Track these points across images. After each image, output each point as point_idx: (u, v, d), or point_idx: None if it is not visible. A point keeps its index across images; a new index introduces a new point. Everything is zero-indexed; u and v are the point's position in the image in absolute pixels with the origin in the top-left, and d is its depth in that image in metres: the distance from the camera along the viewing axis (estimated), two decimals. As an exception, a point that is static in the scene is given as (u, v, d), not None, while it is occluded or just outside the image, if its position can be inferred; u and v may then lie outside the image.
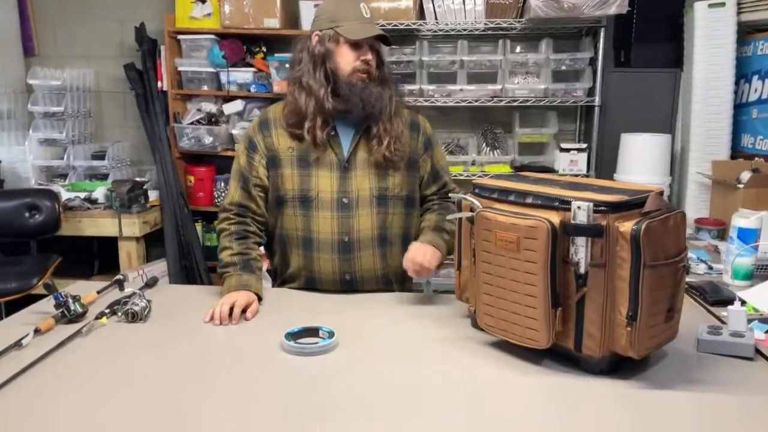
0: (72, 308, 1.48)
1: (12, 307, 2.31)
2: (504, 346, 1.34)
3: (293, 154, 1.72)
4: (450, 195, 1.82)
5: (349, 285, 1.73)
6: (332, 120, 1.70)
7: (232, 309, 1.52)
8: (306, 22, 3.27)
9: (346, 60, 1.66)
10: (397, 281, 1.81)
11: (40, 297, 1.65)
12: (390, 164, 1.72)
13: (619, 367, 1.23)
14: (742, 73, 2.99)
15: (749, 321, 1.41)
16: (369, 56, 1.66)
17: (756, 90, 2.92)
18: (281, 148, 1.73)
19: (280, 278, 1.85)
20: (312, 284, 1.76)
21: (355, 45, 1.65)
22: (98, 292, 1.69)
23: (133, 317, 1.50)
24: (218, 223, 1.78)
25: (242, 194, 1.75)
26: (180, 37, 3.45)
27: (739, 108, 3.01)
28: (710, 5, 2.92)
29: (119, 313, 1.52)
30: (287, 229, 1.75)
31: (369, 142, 1.71)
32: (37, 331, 1.39)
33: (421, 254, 1.64)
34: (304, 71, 1.70)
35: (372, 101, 1.65)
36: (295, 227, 1.74)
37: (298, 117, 1.70)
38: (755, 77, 2.93)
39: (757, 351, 1.31)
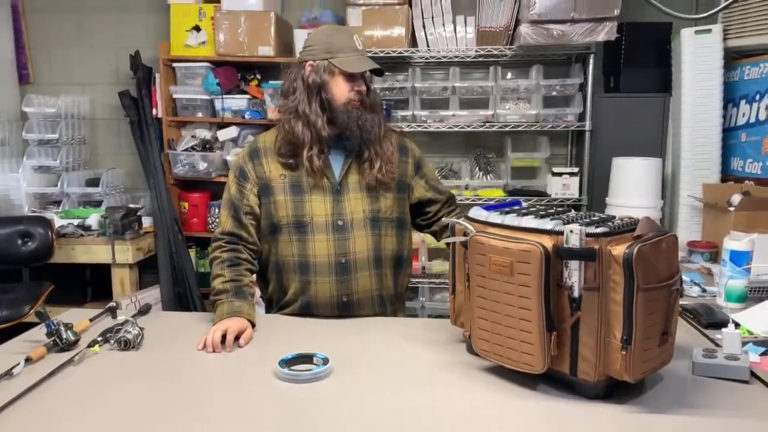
0: (64, 336, 1.47)
1: (3, 336, 2.27)
2: (499, 371, 1.33)
3: (285, 181, 1.74)
4: (443, 220, 1.84)
5: (345, 308, 1.73)
6: (328, 148, 1.73)
7: (224, 336, 1.51)
8: (300, 49, 3.30)
9: (341, 90, 1.70)
10: (390, 303, 1.81)
11: (32, 325, 1.64)
12: (381, 186, 1.75)
13: (614, 391, 1.22)
14: (730, 97, 3.04)
15: (744, 344, 1.41)
16: (363, 87, 1.71)
17: (744, 114, 2.97)
18: (273, 175, 1.75)
19: (276, 306, 1.84)
20: (308, 310, 1.76)
21: (350, 76, 1.70)
22: (91, 320, 1.68)
23: (126, 345, 1.49)
24: (210, 252, 1.78)
25: (233, 223, 1.76)
26: (175, 64, 3.48)
27: (728, 132, 3.05)
28: (697, 31, 2.98)
29: (112, 341, 1.50)
30: (283, 255, 1.76)
31: (361, 165, 1.75)
32: (28, 360, 1.38)
33: None
34: (299, 100, 1.72)
35: (368, 127, 1.70)
36: (291, 253, 1.74)
37: (292, 145, 1.72)
38: (743, 101, 2.97)
39: (753, 374, 1.31)
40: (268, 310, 1.92)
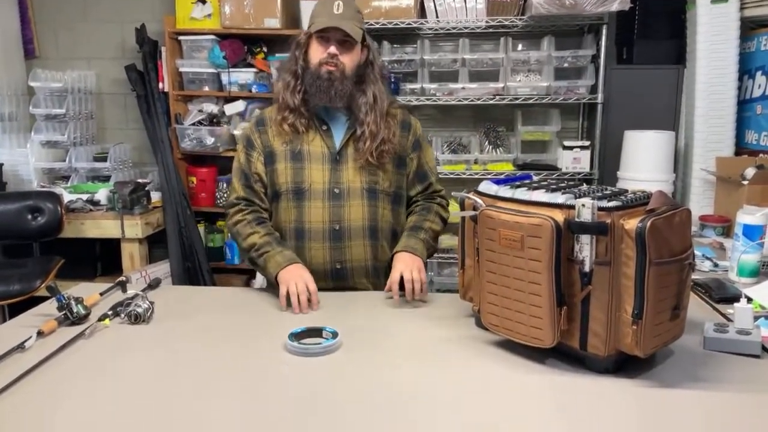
0: (75, 310, 1.48)
1: (15, 310, 2.31)
2: (508, 346, 1.33)
3: (286, 149, 1.76)
4: (452, 194, 1.83)
5: (339, 276, 1.74)
6: (308, 111, 1.74)
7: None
8: (306, 21, 3.25)
9: (315, 54, 1.71)
10: (386, 276, 1.80)
11: (43, 299, 1.65)
12: (378, 162, 1.75)
13: (624, 365, 1.22)
14: (746, 69, 2.98)
15: (756, 318, 1.40)
16: (333, 50, 1.68)
17: (760, 86, 2.91)
18: (276, 144, 1.77)
19: None
20: None
21: (324, 39, 1.69)
22: (101, 294, 1.69)
23: (136, 319, 1.50)
24: (229, 218, 1.79)
25: (246, 190, 1.80)
26: (181, 38, 3.45)
27: (743, 104, 3.00)
28: (713, 1, 2.91)
29: (122, 315, 1.51)
30: (281, 221, 1.79)
31: (356, 141, 1.74)
32: (40, 334, 1.39)
33: (408, 269, 1.64)
34: (283, 68, 1.79)
35: (331, 92, 1.68)
36: (288, 219, 1.77)
37: (281, 111, 1.76)
38: (758, 73, 2.91)
39: (764, 348, 1.30)
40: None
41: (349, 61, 1.70)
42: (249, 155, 1.80)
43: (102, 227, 3.20)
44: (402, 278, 1.62)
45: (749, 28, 2.99)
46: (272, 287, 1.71)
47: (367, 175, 1.75)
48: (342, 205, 1.74)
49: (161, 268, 3.32)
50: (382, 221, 1.78)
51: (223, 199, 3.58)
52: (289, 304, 1.58)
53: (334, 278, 1.76)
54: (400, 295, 1.62)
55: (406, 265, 1.65)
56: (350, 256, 1.75)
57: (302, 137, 1.75)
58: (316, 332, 1.40)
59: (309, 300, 1.58)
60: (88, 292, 1.66)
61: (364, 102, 1.73)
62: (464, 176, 3.29)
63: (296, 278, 1.59)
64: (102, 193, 3.31)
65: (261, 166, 1.78)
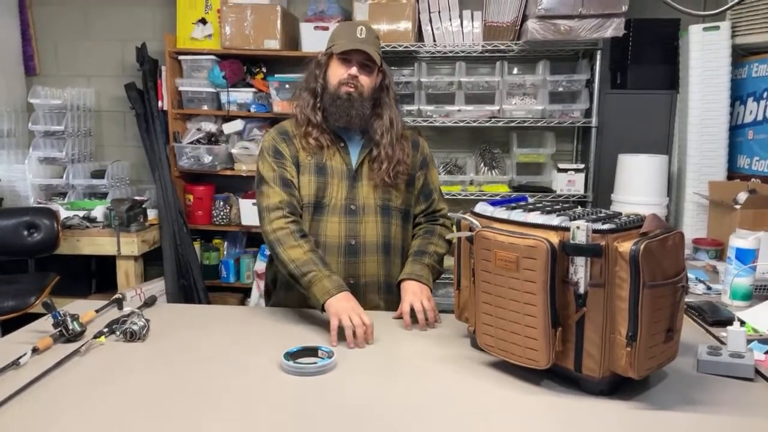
0: (70, 327, 1.47)
1: (10, 326, 2.30)
2: (503, 367, 1.33)
3: (311, 162, 1.77)
4: (448, 215, 1.86)
5: (352, 290, 1.70)
6: (327, 130, 1.77)
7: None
8: (306, 43, 3.31)
9: (335, 74, 1.74)
10: (397, 292, 1.81)
11: (38, 316, 1.65)
12: (393, 182, 1.78)
13: (619, 387, 1.22)
14: (737, 95, 3.03)
15: (749, 341, 1.41)
16: (354, 71, 1.72)
17: (751, 112, 2.95)
18: (302, 156, 1.78)
19: (282, 286, 1.83)
20: None
21: (345, 61, 1.73)
22: (97, 311, 1.68)
23: (132, 336, 1.49)
24: (269, 223, 1.68)
25: (288, 194, 1.72)
26: (181, 57, 3.49)
27: (735, 129, 3.04)
28: (705, 28, 2.97)
29: (118, 333, 1.51)
30: None
31: (371, 162, 1.78)
32: (35, 350, 1.39)
33: (418, 299, 1.65)
34: (302, 86, 1.81)
35: (352, 113, 1.72)
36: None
37: (302, 126, 1.78)
38: (750, 99, 2.96)
39: (757, 372, 1.31)
40: (269, 292, 1.92)
41: (367, 83, 1.74)
42: (281, 163, 1.75)
43: (98, 244, 3.20)
44: (413, 308, 1.63)
45: (740, 55, 3.04)
46: (291, 306, 1.71)
47: (381, 193, 1.78)
48: (358, 222, 1.75)
49: (156, 286, 3.31)
50: (394, 238, 1.80)
51: (220, 216, 3.59)
52: (341, 338, 1.49)
53: None
54: (413, 324, 1.62)
55: (416, 295, 1.66)
56: (364, 271, 1.76)
57: (325, 152, 1.77)
58: (311, 351, 1.40)
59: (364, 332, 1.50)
60: (83, 309, 1.65)
61: (380, 125, 1.77)
62: (460, 197, 3.31)
63: (349, 311, 1.51)
64: (99, 210, 3.32)
65: (295, 173, 1.76)
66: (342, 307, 1.52)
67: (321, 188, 1.75)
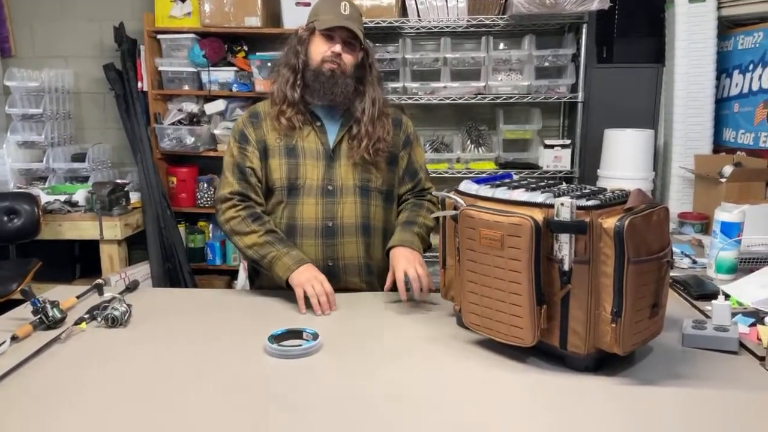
0: (50, 314, 1.45)
1: (-10, 314, 2.27)
2: (489, 345, 1.33)
3: (281, 144, 1.74)
4: (433, 193, 1.84)
5: (331, 274, 1.71)
6: (305, 107, 1.74)
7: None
8: (288, 20, 3.24)
9: (318, 50, 1.70)
10: (379, 275, 1.80)
11: (20, 302, 1.61)
12: (373, 159, 1.75)
13: (604, 363, 1.22)
14: (723, 67, 3.01)
15: (733, 315, 1.42)
16: (338, 48, 1.68)
17: (737, 84, 2.94)
18: (269, 138, 1.75)
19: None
20: None
21: (328, 37, 1.69)
22: (77, 297, 1.66)
23: (113, 322, 1.47)
24: (222, 214, 1.74)
25: (241, 184, 1.74)
26: (160, 36, 3.41)
27: (721, 102, 3.03)
28: (691, 0, 2.94)
29: (99, 319, 1.49)
30: (273, 218, 1.76)
31: (351, 140, 1.74)
32: (14, 339, 1.36)
33: (411, 266, 1.63)
34: (281, 62, 1.77)
35: (335, 90, 1.69)
36: (280, 216, 1.75)
37: (278, 105, 1.74)
38: (736, 72, 2.95)
39: (742, 345, 1.31)
40: (252, 276, 1.91)
41: (350, 61, 1.71)
42: (243, 149, 1.75)
43: (80, 229, 3.15)
44: (407, 276, 1.61)
45: (726, 27, 3.02)
46: (275, 288, 1.70)
47: (360, 173, 1.75)
48: (335, 202, 1.73)
49: (141, 270, 3.28)
50: (374, 219, 1.78)
51: (204, 199, 3.55)
52: (308, 306, 1.57)
53: (326, 276, 1.73)
54: (408, 294, 1.61)
55: (409, 262, 1.64)
56: (342, 254, 1.74)
57: (297, 133, 1.74)
58: (296, 333, 1.39)
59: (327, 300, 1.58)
60: (65, 294, 1.63)
61: (361, 102, 1.74)
62: (446, 175, 3.29)
63: (311, 280, 1.58)
64: (80, 194, 3.26)
65: (256, 160, 1.75)
66: (305, 277, 1.59)
67: (293, 170, 1.73)
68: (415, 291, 1.60)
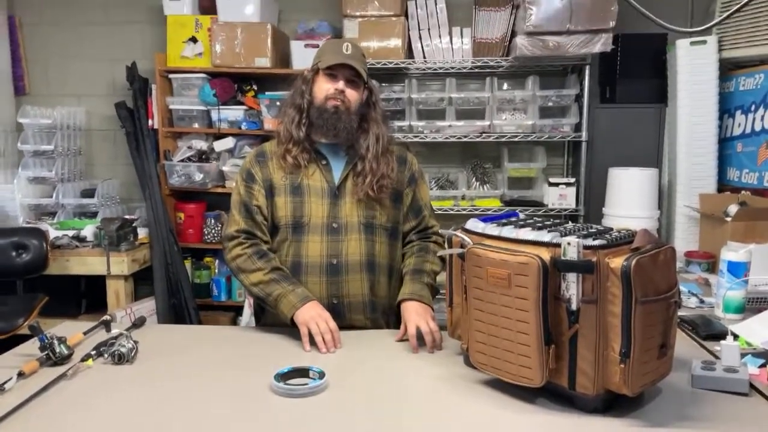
0: (57, 350, 1.45)
1: (-4, 349, 2.27)
2: (497, 385, 1.32)
3: (286, 182, 1.77)
4: (439, 232, 1.85)
5: (336, 312, 1.71)
6: (310, 145, 1.77)
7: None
8: (297, 61, 3.32)
9: (322, 88, 1.75)
10: (383, 312, 1.81)
11: (26, 338, 1.62)
12: (377, 196, 1.77)
13: (613, 405, 1.21)
14: (726, 108, 3.05)
15: (743, 355, 1.40)
16: (341, 85, 1.73)
17: (740, 124, 2.98)
18: (276, 177, 1.78)
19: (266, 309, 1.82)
20: None
21: (332, 76, 1.74)
22: (84, 334, 1.66)
23: (120, 359, 1.47)
24: (228, 252, 1.77)
25: (247, 222, 1.77)
26: (171, 76, 3.49)
27: (724, 142, 3.06)
28: (692, 42, 3.00)
29: (106, 355, 1.49)
30: (279, 256, 1.77)
31: (356, 176, 1.77)
32: (20, 375, 1.36)
33: (423, 320, 1.63)
34: (287, 103, 1.82)
35: (339, 126, 1.72)
36: (285, 253, 1.76)
37: (283, 144, 1.78)
38: (738, 112, 2.99)
39: (752, 386, 1.30)
40: (257, 313, 1.91)
41: (354, 98, 1.75)
42: (249, 188, 1.79)
43: (87, 264, 3.17)
44: (419, 330, 1.61)
45: (728, 68, 3.07)
46: (281, 325, 1.70)
47: (364, 210, 1.76)
48: (340, 240, 1.74)
49: (147, 306, 3.28)
50: (379, 256, 1.78)
51: (211, 235, 3.57)
52: (312, 343, 1.58)
53: (330, 313, 1.73)
54: (420, 346, 1.60)
55: (420, 317, 1.64)
56: (347, 291, 1.74)
57: (302, 171, 1.76)
58: (302, 372, 1.38)
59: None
60: (71, 331, 1.63)
61: (365, 140, 1.77)
62: (452, 212, 3.31)
63: (316, 318, 1.59)
64: (88, 230, 3.29)
65: (263, 198, 1.78)
66: (309, 315, 1.60)
67: (298, 208, 1.75)
68: (428, 345, 1.60)
